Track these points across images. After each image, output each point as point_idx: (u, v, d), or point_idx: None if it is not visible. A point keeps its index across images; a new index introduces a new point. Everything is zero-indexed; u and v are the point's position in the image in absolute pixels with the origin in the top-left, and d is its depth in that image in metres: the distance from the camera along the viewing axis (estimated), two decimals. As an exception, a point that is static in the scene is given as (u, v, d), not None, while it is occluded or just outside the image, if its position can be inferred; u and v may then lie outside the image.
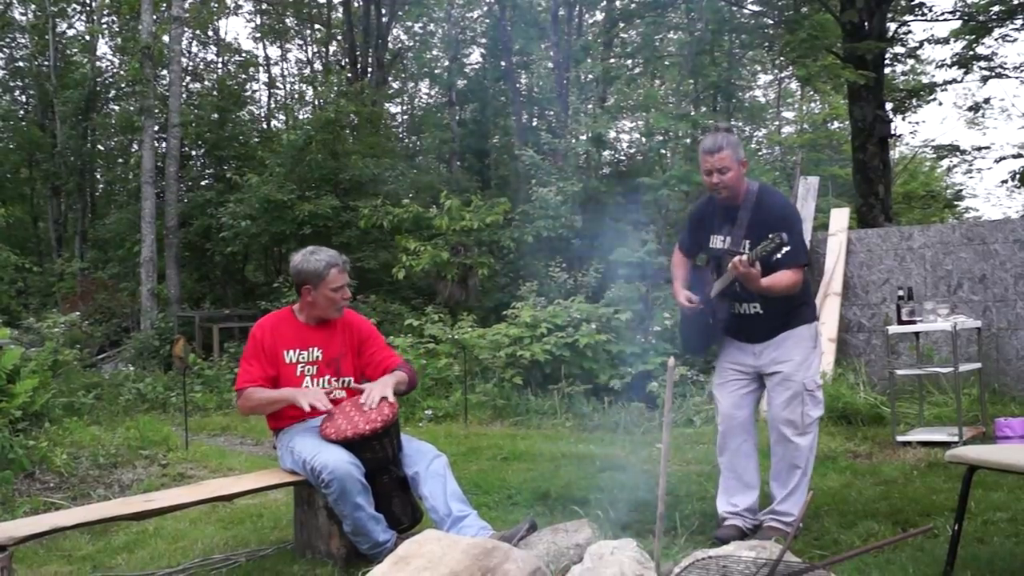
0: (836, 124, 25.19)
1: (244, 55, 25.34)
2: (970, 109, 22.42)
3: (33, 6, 22.10)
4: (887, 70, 16.70)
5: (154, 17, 16.92)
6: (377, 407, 4.04)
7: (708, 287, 4.30)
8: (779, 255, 3.86)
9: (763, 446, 4.47)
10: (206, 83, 23.41)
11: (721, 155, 4.08)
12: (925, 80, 20.71)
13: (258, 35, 26.22)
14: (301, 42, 27.28)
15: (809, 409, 4.14)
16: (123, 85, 22.16)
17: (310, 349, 4.28)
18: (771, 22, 15.24)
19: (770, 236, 3.79)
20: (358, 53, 21.66)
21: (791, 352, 4.16)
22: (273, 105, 26.18)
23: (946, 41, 17.22)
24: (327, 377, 4.28)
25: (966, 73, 17.62)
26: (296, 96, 26.70)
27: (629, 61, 18.29)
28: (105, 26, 23.56)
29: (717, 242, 4.25)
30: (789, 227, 3.95)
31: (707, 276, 4.34)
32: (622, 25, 17.97)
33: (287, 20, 26.28)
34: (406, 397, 9.27)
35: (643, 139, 16.11)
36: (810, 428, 4.15)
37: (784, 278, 4.02)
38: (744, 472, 4.27)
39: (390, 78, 24.00)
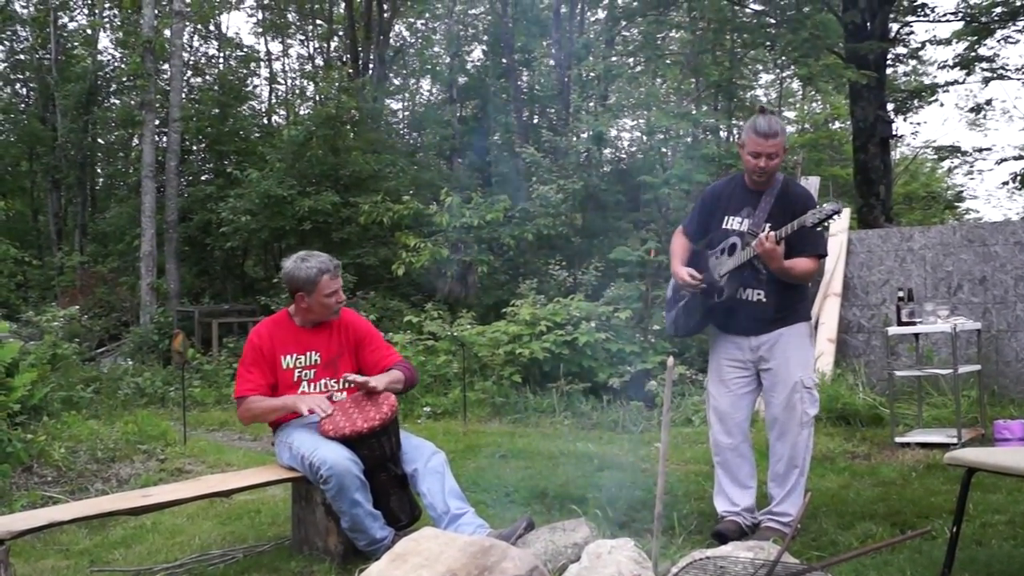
0: (837, 124, 25.19)
1: (245, 50, 25.31)
2: (972, 110, 22.44)
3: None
4: (889, 70, 16.72)
5: (156, 11, 16.88)
6: (376, 405, 4.03)
7: (707, 270, 4.23)
8: (831, 220, 3.84)
9: (760, 446, 4.46)
10: (207, 78, 23.39)
11: (776, 141, 4.05)
12: (927, 81, 20.73)
13: (259, 30, 26.20)
14: (303, 37, 27.28)
15: (807, 407, 4.14)
16: (124, 79, 22.10)
17: (308, 353, 4.28)
18: (773, 21, 15.22)
19: (823, 206, 3.80)
20: (360, 49, 21.64)
21: (789, 349, 4.15)
22: (274, 100, 26.18)
23: (948, 42, 17.24)
24: (325, 380, 4.28)
25: (968, 74, 17.63)
26: (297, 91, 26.71)
27: (631, 59, 18.28)
28: (107, 20, 23.54)
29: (733, 223, 4.19)
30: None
31: (705, 260, 4.28)
32: (624, 23, 17.94)
33: (289, 15, 26.26)
34: (405, 395, 9.32)
35: (644, 138, 16.09)
36: (808, 426, 4.15)
37: (802, 264, 4.03)
38: (740, 472, 4.26)
39: (391, 74, 23.97)
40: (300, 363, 4.26)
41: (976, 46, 16.50)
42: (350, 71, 20.41)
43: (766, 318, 4.16)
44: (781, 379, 4.14)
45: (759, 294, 4.14)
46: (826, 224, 3.88)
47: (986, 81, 18.32)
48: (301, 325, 4.33)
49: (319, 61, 26.36)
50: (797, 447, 4.13)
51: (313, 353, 4.29)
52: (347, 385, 4.29)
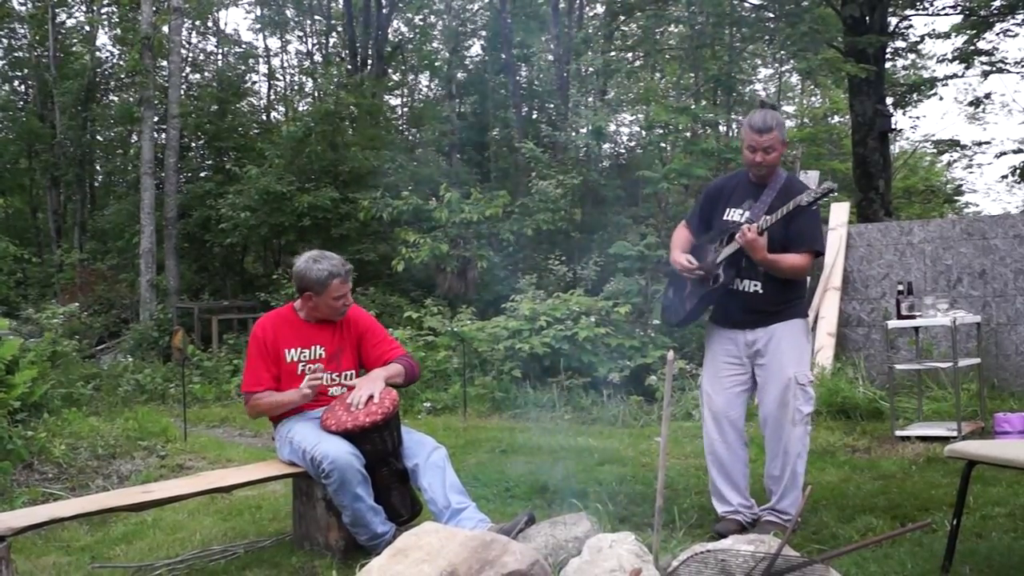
0: (836, 118, 25.15)
1: (244, 46, 25.24)
2: (971, 104, 22.36)
3: (33, -4, 22.04)
4: (888, 64, 16.70)
5: (154, 8, 16.86)
6: (378, 400, 4.03)
7: (705, 259, 4.24)
8: (826, 198, 3.86)
9: (757, 439, 4.46)
10: (206, 74, 23.35)
11: (771, 135, 4.05)
12: (926, 75, 20.68)
13: (258, 26, 26.13)
14: (301, 33, 27.18)
15: (800, 404, 4.12)
16: (123, 76, 22.08)
17: (313, 347, 4.28)
18: (772, 15, 15.21)
19: (820, 185, 3.82)
20: (358, 45, 21.57)
21: (783, 344, 4.14)
22: (273, 96, 26.09)
23: (947, 36, 17.21)
24: (328, 373, 4.28)
25: (967, 68, 17.61)
26: (296, 88, 26.64)
27: (630, 54, 18.25)
28: (105, 16, 23.47)
29: (734, 215, 4.21)
30: (812, 216, 3.99)
31: (705, 251, 4.28)
32: (623, 18, 17.91)
33: (287, 11, 26.20)
34: (405, 389, 9.32)
35: (643, 132, 16.09)
36: (802, 422, 4.13)
37: (790, 259, 4.03)
38: (735, 472, 4.26)
39: (390, 70, 23.92)
40: (304, 357, 4.26)
41: (975, 40, 16.48)
42: (348, 67, 20.39)
43: (761, 310, 4.15)
44: (774, 375, 4.14)
45: (755, 285, 4.14)
46: (821, 202, 3.89)
47: (985, 75, 18.29)
48: (305, 320, 4.34)
49: (318, 57, 26.29)
50: (791, 444, 4.11)
51: (318, 347, 4.29)
52: (347, 380, 4.31)
